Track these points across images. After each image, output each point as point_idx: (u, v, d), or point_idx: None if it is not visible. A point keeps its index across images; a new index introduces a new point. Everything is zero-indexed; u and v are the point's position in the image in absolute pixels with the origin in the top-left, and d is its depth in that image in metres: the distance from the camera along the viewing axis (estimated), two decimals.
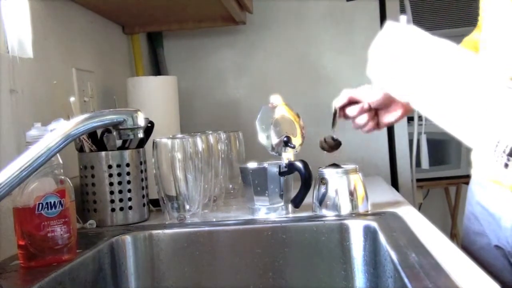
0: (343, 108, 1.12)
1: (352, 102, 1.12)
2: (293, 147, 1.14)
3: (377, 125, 1.13)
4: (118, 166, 1.16)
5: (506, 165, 0.70)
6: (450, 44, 0.81)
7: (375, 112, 1.12)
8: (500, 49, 0.99)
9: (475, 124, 0.74)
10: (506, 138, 0.70)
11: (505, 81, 0.73)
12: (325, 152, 1.15)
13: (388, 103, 1.10)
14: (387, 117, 1.12)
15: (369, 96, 1.10)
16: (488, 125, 0.73)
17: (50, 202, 0.85)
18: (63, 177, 0.88)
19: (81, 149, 1.18)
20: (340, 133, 1.14)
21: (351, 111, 1.11)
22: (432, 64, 0.80)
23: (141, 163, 1.20)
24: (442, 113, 0.79)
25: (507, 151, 0.70)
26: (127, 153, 1.17)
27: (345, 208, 1.11)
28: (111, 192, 1.16)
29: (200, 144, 1.15)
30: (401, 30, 0.86)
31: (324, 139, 1.14)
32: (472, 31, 1.19)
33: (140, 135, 0.84)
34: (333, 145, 1.14)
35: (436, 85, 0.79)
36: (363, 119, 1.11)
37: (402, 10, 2.04)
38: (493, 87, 0.74)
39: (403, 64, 0.84)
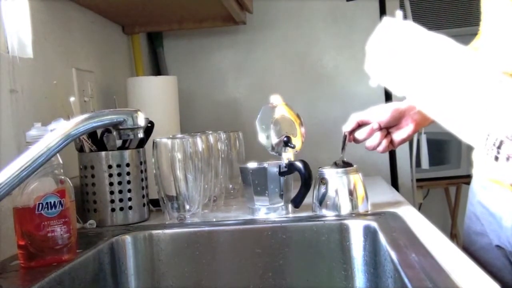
0: (352, 132, 1.14)
1: (361, 125, 1.13)
2: (293, 147, 1.14)
3: (392, 144, 1.13)
4: (118, 166, 1.16)
5: (496, 158, 0.70)
6: (446, 39, 0.81)
7: (387, 131, 1.13)
8: (497, 45, 0.99)
9: (467, 117, 0.75)
10: (496, 131, 0.70)
11: (497, 75, 0.73)
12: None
13: (398, 120, 1.12)
14: (399, 134, 1.13)
15: (377, 115, 1.12)
16: (479, 118, 0.73)
17: (50, 202, 0.85)
18: (63, 177, 0.88)
19: (81, 149, 1.18)
20: (341, 133, 1.14)
21: (360, 134, 1.13)
22: (428, 59, 0.80)
23: (141, 163, 1.20)
24: (437, 107, 0.80)
25: (497, 144, 0.70)
26: (127, 153, 1.17)
27: (345, 208, 1.11)
28: (111, 192, 1.16)
29: (200, 144, 1.15)
30: (398, 25, 0.86)
31: (335, 163, 1.14)
32: (472, 31, 1.19)
33: (140, 135, 0.84)
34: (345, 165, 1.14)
35: (431, 79, 0.79)
36: (375, 139, 1.12)
37: (402, 10, 2.03)
38: (485, 80, 0.74)
39: (400, 59, 0.84)
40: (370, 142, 1.13)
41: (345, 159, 1.15)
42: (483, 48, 1.06)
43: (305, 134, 1.17)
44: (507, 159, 0.69)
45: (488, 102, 0.72)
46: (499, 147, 0.70)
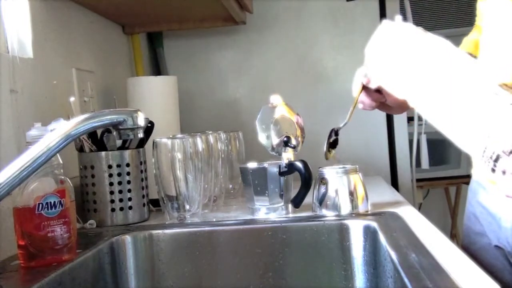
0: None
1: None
2: (293, 147, 1.14)
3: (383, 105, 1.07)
4: (118, 166, 1.16)
5: (493, 170, 0.71)
6: (445, 44, 0.81)
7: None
8: (497, 52, 0.99)
9: (464, 128, 0.75)
10: (493, 145, 0.70)
11: (493, 87, 0.74)
12: (325, 152, 1.13)
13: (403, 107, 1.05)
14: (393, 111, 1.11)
15: (392, 97, 1.00)
16: (476, 130, 0.73)
17: (50, 202, 0.85)
18: (63, 177, 0.88)
19: (81, 149, 1.18)
20: (341, 133, 1.14)
21: (369, 97, 1.04)
22: (426, 64, 0.80)
23: (141, 163, 1.20)
24: (434, 112, 0.80)
25: (494, 157, 0.70)
26: (127, 153, 1.17)
27: (345, 208, 1.11)
28: (111, 192, 1.16)
29: (200, 144, 1.15)
30: (397, 28, 0.86)
31: (331, 131, 1.11)
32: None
33: (140, 135, 0.84)
34: (332, 142, 1.12)
35: (428, 85, 0.80)
36: (371, 106, 1.07)
37: (402, 10, 2.04)
38: (482, 92, 0.74)
39: (398, 62, 0.84)
40: (365, 107, 1.06)
41: (339, 131, 1.09)
42: (484, 54, 1.06)
43: (304, 134, 1.17)
44: (503, 173, 0.70)
45: (484, 115, 0.73)
46: (495, 161, 0.70)
